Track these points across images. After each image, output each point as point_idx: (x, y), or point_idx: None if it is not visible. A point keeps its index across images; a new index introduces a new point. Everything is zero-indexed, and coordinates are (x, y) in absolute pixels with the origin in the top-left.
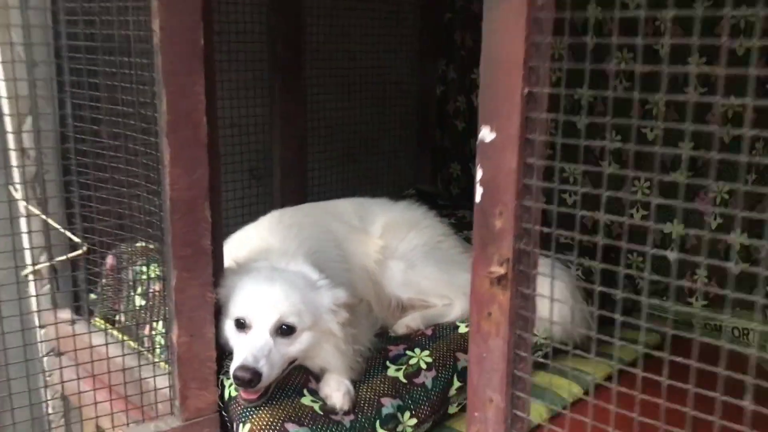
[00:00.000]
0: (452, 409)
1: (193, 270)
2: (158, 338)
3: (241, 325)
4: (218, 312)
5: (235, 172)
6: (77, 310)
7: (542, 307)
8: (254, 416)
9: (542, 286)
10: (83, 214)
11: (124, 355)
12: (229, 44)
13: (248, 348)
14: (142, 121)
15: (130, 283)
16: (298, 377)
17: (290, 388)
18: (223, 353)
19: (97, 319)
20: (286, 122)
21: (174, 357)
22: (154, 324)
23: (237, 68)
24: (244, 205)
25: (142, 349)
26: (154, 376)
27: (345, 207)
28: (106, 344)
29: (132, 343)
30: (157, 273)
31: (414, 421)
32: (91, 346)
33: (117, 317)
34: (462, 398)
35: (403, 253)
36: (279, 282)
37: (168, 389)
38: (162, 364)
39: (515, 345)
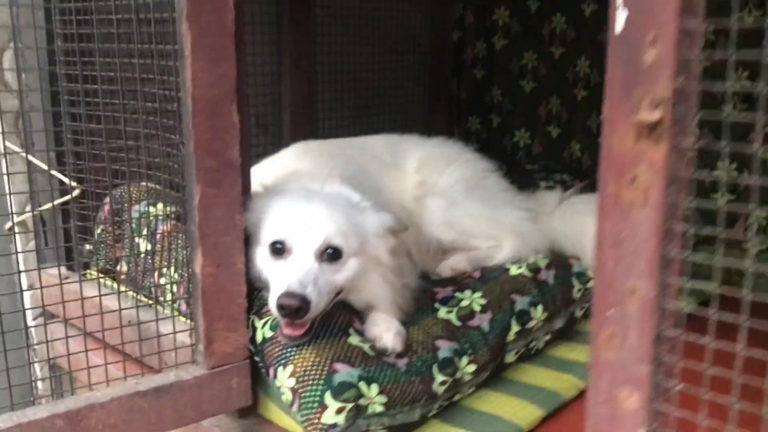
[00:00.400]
0: (509, 357)
1: (219, 186)
2: (170, 279)
3: (278, 250)
4: (245, 241)
5: None
6: (70, 266)
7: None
8: (297, 356)
9: (585, 223)
10: (76, 150)
11: (137, 306)
12: None
13: (292, 273)
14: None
15: (133, 226)
16: (342, 317)
17: (335, 326)
18: (252, 290)
19: (93, 272)
20: (296, 65)
21: (198, 292)
22: (164, 270)
23: None
24: (252, 155)
25: (150, 301)
26: (172, 317)
27: (375, 142)
28: (118, 296)
29: (138, 295)
30: (166, 211)
31: (473, 367)
32: (100, 305)
33: (118, 267)
34: (520, 345)
35: (444, 189)
36: (320, 201)
37: (188, 333)
38: (176, 313)
39: (668, 216)
